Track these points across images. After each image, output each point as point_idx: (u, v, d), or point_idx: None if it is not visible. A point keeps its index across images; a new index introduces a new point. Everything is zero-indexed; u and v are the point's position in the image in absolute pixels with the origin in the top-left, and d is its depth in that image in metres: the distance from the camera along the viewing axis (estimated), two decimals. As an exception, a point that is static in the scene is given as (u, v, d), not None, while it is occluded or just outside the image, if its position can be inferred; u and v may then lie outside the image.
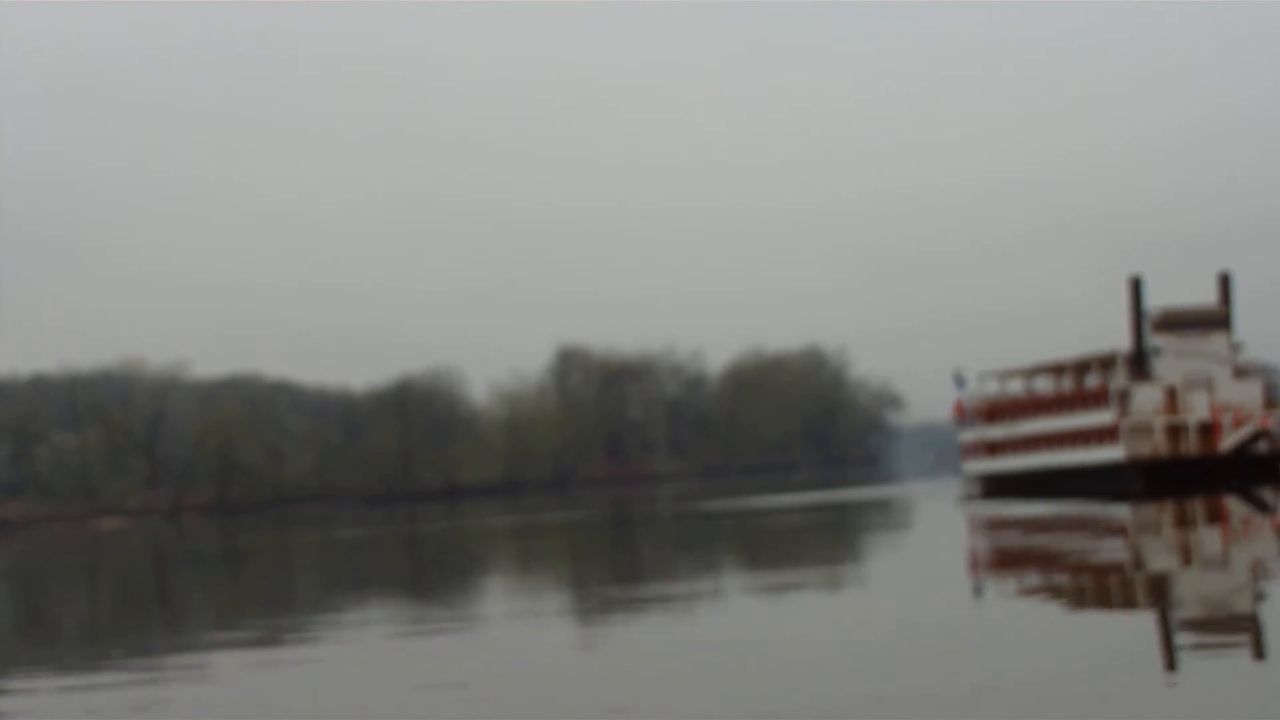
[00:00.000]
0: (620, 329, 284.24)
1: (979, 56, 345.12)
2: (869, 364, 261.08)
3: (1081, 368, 76.25)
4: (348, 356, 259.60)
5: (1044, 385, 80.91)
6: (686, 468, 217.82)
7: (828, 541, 47.85)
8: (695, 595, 29.68)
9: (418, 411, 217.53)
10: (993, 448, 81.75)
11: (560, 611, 29.50)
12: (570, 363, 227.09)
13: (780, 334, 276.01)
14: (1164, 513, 48.46)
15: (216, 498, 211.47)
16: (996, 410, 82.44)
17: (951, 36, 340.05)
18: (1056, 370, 79.15)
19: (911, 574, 33.00)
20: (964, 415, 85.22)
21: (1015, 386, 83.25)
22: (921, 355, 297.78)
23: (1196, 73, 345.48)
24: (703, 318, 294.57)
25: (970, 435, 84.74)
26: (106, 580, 60.03)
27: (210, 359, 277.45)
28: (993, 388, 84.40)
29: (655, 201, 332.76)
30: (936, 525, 53.80)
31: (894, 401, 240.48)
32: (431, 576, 46.07)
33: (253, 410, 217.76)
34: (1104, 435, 70.29)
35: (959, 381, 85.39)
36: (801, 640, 21.50)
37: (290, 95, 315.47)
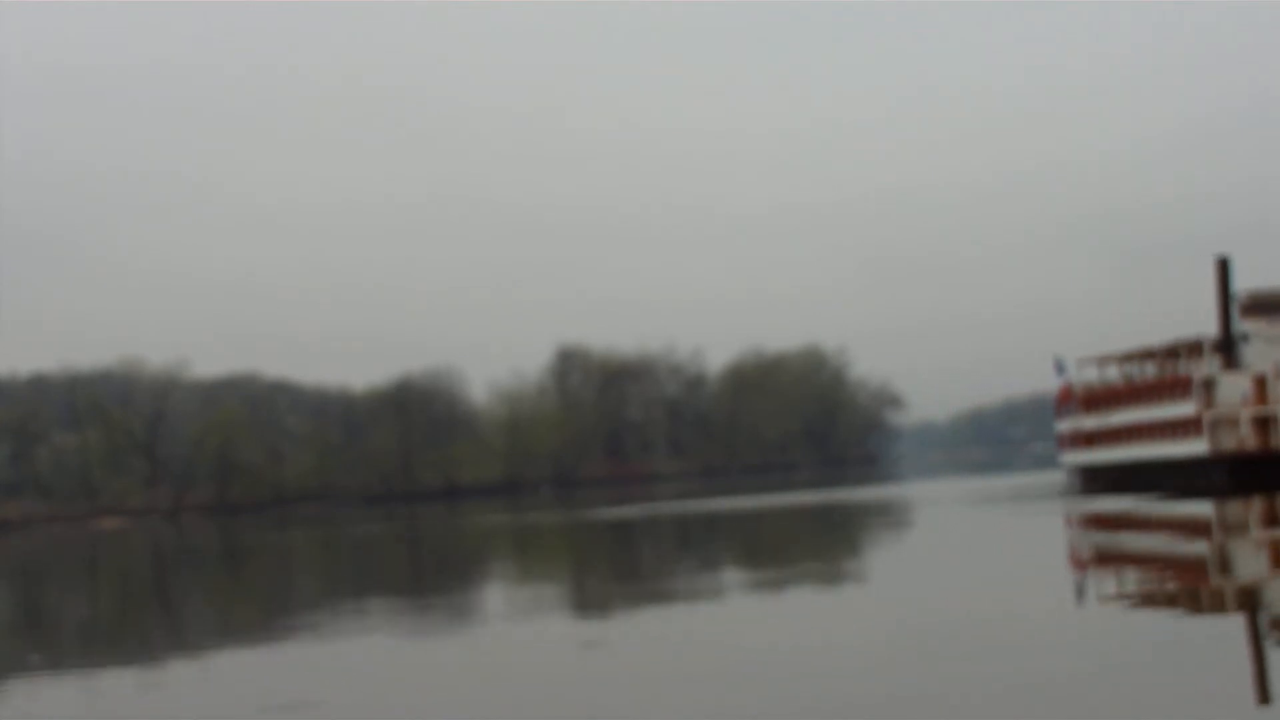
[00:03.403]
0: (620, 329, 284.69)
1: (979, 56, 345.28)
2: (869, 364, 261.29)
3: (1170, 354, 71.67)
4: (348, 356, 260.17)
5: (1139, 372, 75.61)
6: (686, 468, 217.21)
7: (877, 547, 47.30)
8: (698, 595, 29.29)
9: (418, 411, 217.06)
10: (1089, 438, 77.38)
11: (475, 622, 29.07)
12: (570, 363, 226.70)
13: (780, 334, 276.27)
14: (1250, 511, 45.54)
15: (216, 498, 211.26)
16: (1092, 399, 77.69)
17: (951, 36, 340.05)
18: (1147, 356, 74.30)
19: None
20: (1068, 401, 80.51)
21: (1112, 373, 77.98)
22: (921, 355, 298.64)
23: (1196, 73, 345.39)
24: (703, 318, 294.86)
25: (1067, 425, 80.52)
26: (76, 582, 59.81)
27: (210, 359, 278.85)
28: (1091, 373, 79.37)
29: (655, 202, 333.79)
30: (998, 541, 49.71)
31: (894, 401, 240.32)
32: (391, 580, 45.68)
33: (253, 410, 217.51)
34: (1187, 427, 66.15)
35: (1059, 367, 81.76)
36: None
37: (291, 97, 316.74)
